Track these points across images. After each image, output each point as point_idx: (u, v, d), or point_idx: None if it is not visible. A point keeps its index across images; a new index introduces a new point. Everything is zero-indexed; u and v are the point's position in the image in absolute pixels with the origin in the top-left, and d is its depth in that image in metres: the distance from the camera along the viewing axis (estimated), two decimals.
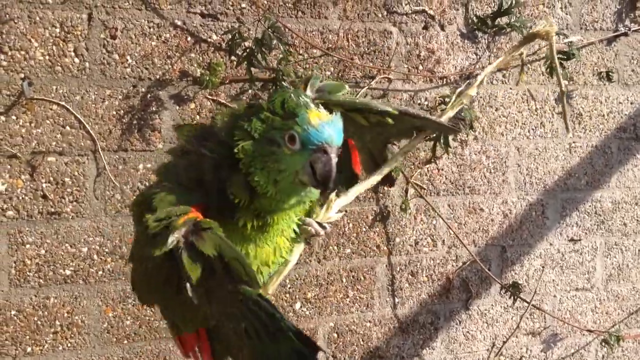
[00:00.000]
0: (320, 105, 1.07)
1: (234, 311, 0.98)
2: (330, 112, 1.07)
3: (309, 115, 1.02)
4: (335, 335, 2.16)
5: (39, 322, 1.82)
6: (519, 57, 1.50)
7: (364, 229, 2.16)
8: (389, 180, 1.43)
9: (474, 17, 2.22)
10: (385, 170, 1.34)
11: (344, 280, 2.16)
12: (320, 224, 1.22)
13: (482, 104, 2.28)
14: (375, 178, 1.33)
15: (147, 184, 1.89)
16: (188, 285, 0.97)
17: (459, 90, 1.48)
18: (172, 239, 0.97)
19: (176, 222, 0.99)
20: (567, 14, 2.38)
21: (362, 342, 2.20)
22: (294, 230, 1.20)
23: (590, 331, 2.53)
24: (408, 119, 1.30)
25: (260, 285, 0.99)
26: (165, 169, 1.16)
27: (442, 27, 2.20)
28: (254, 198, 1.07)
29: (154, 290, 1.11)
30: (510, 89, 2.32)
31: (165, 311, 1.19)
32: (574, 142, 2.45)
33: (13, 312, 1.79)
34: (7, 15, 1.73)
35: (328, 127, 1.03)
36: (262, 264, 1.16)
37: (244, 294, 0.96)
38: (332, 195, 1.25)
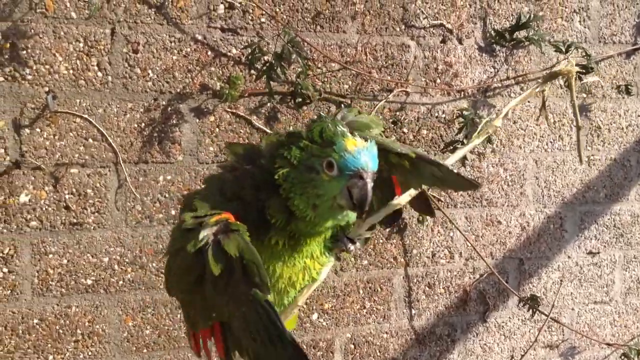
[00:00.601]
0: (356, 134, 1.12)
1: (245, 311, 1.06)
2: (366, 140, 1.12)
3: (345, 143, 1.08)
4: (352, 346, 2.17)
5: (60, 331, 1.85)
6: (541, 93, 1.55)
7: (381, 241, 2.17)
8: (428, 209, 1.46)
9: (492, 31, 2.23)
10: (413, 192, 1.36)
11: (361, 291, 2.17)
12: (351, 240, 1.26)
13: None
14: (404, 198, 1.35)
15: (167, 195, 1.92)
16: (210, 280, 1.06)
17: (485, 120, 1.53)
18: (203, 235, 1.05)
19: (209, 220, 1.07)
20: (585, 27, 2.37)
21: (378, 354, 2.21)
22: (325, 253, 1.25)
23: (609, 345, 2.51)
24: (428, 167, 1.32)
25: (270, 291, 1.06)
26: (212, 179, 1.23)
27: (460, 41, 2.21)
28: (291, 221, 1.13)
29: (180, 282, 1.17)
30: (528, 102, 2.32)
31: (186, 304, 1.24)
32: (592, 155, 2.44)
33: (35, 321, 1.82)
34: (33, 30, 1.77)
35: (364, 154, 1.08)
36: (289, 284, 1.21)
37: (254, 296, 1.04)
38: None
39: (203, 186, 1.25)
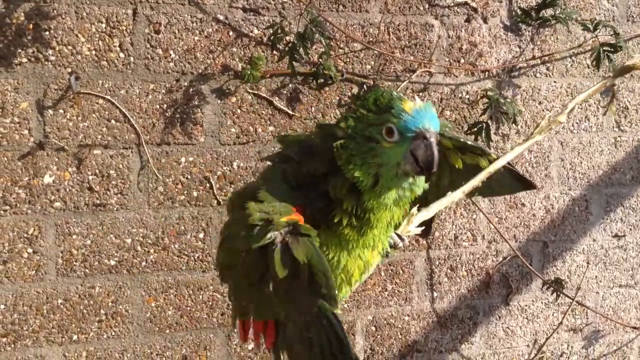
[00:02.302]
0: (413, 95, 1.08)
1: (307, 319, 1.02)
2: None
3: (403, 105, 1.03)
4: (374, 328, 2.17)
5: (84, 311, 1.87)
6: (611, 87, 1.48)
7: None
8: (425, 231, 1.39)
9: (518, 9, 2.19)
10: (467, 188, 1.32)
11: (383, 273, 2.16)
12: (399, 236, 1.23)
13: (526, 98, 2.25)
14: (457, 195, 1.31)
15: (188, 177, 1.91)
16: (271, 281, 1.02)
17: (548, 116, 1.47)
18: (271, 235, 1.01)
19: (279, 220, 1.03)
20: (613, 5, 2.32)
21: (400, 336, 2.20)
22: (384, 247, 1.21)
23: (634, 328, 2.48)
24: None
25: (337, 305, 1.01)
26: (271, 170, 1.19)
27: (485, 20, 2.18)
28: (355, 196, 1.09)
29: (236, 275, 1.13)
30: (555, 82, 2.28)
31: (238, 295, 1.20)
32: (619, 137, 2.39)
33: (60, 301, 1.84)
34: (55, 11, 1.77)
35: (424, 113, 1.03)
36: (346, 281, 1.17)
37: (321, 308, 1.00)
38: (414, 210, 1.26)
39: (261, 178, 1.20)
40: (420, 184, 1.13)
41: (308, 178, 1.11)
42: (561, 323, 2.36)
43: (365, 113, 1.06)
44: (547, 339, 2.35)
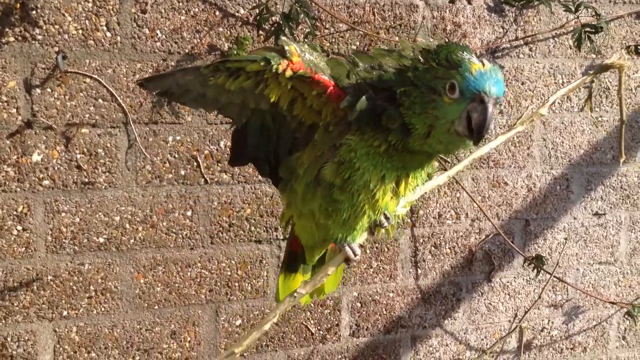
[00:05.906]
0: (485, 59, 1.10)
1: None
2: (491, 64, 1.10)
3: (471, 66, 1.04)
4: (359, 304, 2.21)
5: (74, 287, 1.90)
6: (588, 83, 1.52)
7: None
8: None
9: None
10: (452, 172, 1.38)
11: (368, 251, 2.20)
12: (385, 215, 1.26)
13: (508, 78, 2.28)
14: (442, 178, 1.36)
15: (176, 155, 1.94)
16: None
17: (530, 108, 1.52)
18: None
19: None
20: None
21: (385, 312, 2.25)
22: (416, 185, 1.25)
23: (613, 303, 2.54)
24: None
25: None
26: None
27: (469, 1, 2.20)
28: (404, 135, 1.12)
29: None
30: (537, 62, 2.31)
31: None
32: (600, 116, 2.44)
33: (50, 278, 1.87)
34: None
35: (487, 77, 1.04)
36: (370, 204, 1.20)
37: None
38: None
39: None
40: (469, 144, 1.14)
41: (367, 86, 1.14)
42: (540, 297, 2.42)
43: (435, 66, 1.08)
44: (525, 312, 2.41)
